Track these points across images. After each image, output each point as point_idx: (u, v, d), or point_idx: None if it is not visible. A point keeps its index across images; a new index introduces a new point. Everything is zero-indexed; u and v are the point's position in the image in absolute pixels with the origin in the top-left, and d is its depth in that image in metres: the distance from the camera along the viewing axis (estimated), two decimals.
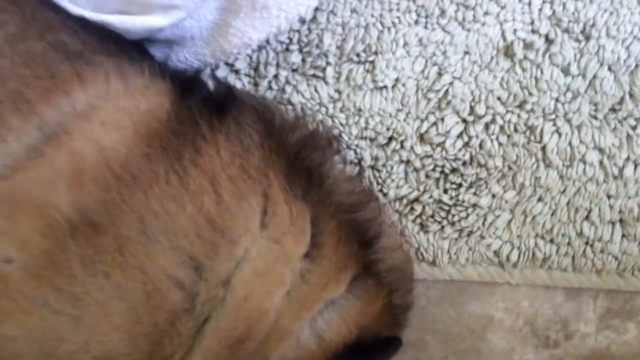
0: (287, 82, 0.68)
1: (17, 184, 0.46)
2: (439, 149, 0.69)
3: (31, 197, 0.46)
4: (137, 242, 0.47)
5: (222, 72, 0.69)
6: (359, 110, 0.69)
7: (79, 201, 0.46)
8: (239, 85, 0.69)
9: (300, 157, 0.56)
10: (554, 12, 0.68)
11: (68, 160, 0.47)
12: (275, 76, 0.68)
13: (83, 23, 0.54)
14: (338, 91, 0.69)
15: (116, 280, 0.46)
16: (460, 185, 0.70)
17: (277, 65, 0.68)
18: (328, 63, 0.67)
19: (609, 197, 0.70)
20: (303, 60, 0.68)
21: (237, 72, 0.69)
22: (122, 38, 0.57)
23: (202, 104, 0.53)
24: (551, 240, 0.72)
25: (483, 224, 0.72)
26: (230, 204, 0.50)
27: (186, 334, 0.48)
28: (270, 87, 0.69)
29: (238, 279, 0.49)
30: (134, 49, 0.57)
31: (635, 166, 0.70)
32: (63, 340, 0.46)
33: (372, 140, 0.70)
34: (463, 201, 0.71)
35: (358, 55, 0.67)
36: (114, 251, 0.46)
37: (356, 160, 0.71)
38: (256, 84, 0.69)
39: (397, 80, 0.68)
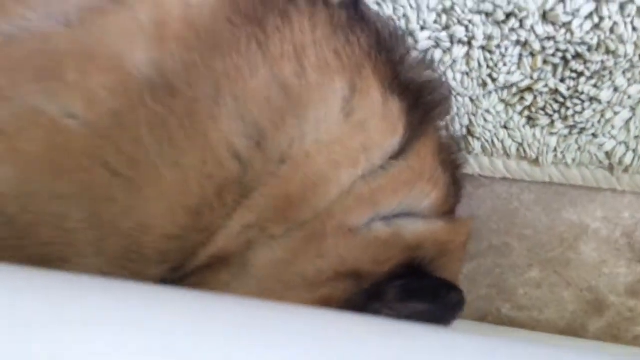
0: None
1: (91, 31, 0.41)
2: (563, 30, 0.61)
3: (105, 48, 0.41)
4: (207, 106, 0.43)
5: None
6: None
7: (159, 59, 0.42)
8: None
9: (412, 81, 0.51)
10: None
11: (152, 11, 0.42)
12: None
13: None
14: None
15: (178, 145, 0.42)
16: (581, 74, 0.62)
17: None
18: None
19: None
20: None
21: None
22: None
23: None
24: None
25: (599, 121, 0.64)
26: (312, 77, 0.45)
27: (228, 205, 0.44)
28: None
29: (301, 150, 0.45)
30: None
31: None
32: (113, 201, 0.42)
33: (488, 15, 0.61)
34: (581, 93, 0.63)
35: None
36: (183, 115, 0.42)
37: (466, 39, 0.63)
38: None
39: None
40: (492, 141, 0.67)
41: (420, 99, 0.50)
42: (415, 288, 0.47)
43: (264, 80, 0.43)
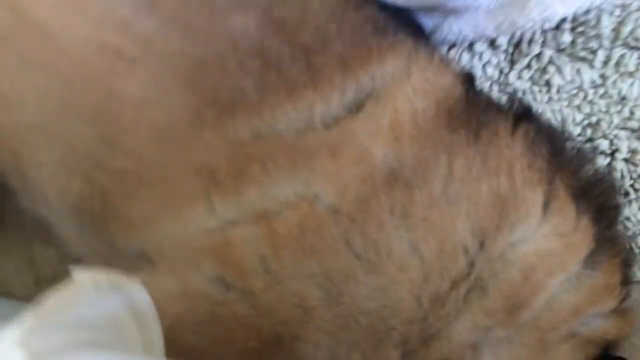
0: (551, 62, 0.65)
1: (340, 134, 0.48)
2: None
3: (353, 146, 0.47)
4: (441, 202, 0.47)
5: (479, 47, 0.66)
6: (623, 98, 0.64)
7: (397, 155, 0.47)
8: (494, 61, 0.67)
9: (591, 187, 0.54)
10: None
11: (389, 117, 0.49)
12: (538, 55, 0.65)
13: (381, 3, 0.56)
14: (603, 76, 0.64)
15: (418, 234, 0.46)
16: None
17: (543, 44, 0.64)
18: (601, 46, 0.63)
19: None
20: (573, 41, 0.64)
21: (495, 47, 0.66)
22: (410, 20, 0.60)
23: (487, 98, 0.55)
24: None
25: None
26: (521, 190, 0.49)
27: (459, 299, 0.47)
28: (529, 66, 0.66)
29: (516, 256, 0.49)
30: (421, 32, 0.61)
31: None
32: (356, 282, 0.45)
33: (633, 131, 0.65)
34: None
35: (636, 40, 0.62)
36: (423, 207, 0.46)
37: (609, 151, 0.67)
38: (512, 62, 0.66)
39: None
40: (630, 247, 0.69)
41: (601, 201, 0.53)
42: None
43: (486, 186, 0.48)
